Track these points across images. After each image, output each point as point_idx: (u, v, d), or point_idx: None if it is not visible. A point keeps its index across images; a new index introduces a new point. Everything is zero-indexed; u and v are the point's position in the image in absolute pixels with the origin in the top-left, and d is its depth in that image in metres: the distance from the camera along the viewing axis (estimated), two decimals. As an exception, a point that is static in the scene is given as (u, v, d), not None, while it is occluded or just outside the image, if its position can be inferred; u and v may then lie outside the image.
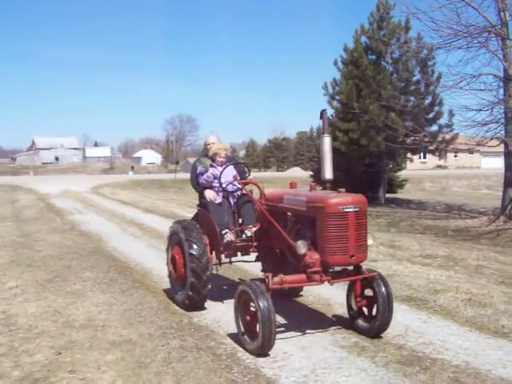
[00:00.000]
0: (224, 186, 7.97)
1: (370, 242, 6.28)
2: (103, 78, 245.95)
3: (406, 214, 21.61)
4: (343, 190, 6.38)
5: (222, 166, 8.19)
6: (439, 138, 24.52)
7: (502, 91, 17.93)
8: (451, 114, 22.33)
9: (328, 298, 8.40)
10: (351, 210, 5.99)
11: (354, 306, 6.75)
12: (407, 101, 23.81)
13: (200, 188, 8.26)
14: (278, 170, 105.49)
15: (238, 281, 9.44)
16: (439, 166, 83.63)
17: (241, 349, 6.16)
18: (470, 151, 70.87)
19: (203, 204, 8.10)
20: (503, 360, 5.78)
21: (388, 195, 27.06)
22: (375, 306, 6.44)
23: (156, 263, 11.10)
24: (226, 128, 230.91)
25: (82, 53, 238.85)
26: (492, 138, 18.30)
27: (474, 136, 19.08)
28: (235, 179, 7.80)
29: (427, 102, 24.54)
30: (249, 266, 9.63)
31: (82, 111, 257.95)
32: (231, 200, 8.13)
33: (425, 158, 73.91)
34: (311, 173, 31.78)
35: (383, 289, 6.34)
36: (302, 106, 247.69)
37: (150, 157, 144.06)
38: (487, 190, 36.89)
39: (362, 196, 6.29)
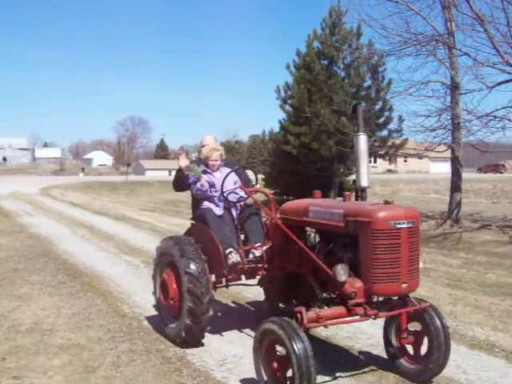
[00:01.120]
0: (226, 194, 6.70)
1: (420, 264, 5.20)
2: (53, 78, 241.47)
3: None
4: (392, 200, 5.23)
5: (217, 170, 7.01)
6: (389, 143, 24.98)
7: (449, 98, 18.40)
8: (401, 119, 22.88)
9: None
10: (404, 225, 4.87)
11: (394, 343, 5.61)
12: (358, 106, 24.10)
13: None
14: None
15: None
16: (389, 171, 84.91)
17: (190, 351, 6.15)
18: (419, 156, 72.11)
19: (200, 217, 6.69)
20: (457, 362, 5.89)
21: (339, 199, 27.37)
22: (427, 344, 5.30)
23: (106, 266, 11.00)
24: (179, 130, 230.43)
25: (30, 52, 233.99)
26: (440, 144, 18.75)
27: (422, 141, 19.49)
28: (240, 187, 6.73)
29: (378, 107, 25.02)
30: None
31: (32, 111, 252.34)
32: (233, 212, 6.85)
33: (375, 162, 74.87)
34: (263, 176, 31.95)
35: (438, 322, 5.19)
36: (255, 110, 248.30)
37: (102, 158, 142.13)
38: (435, 194, 37.64)
39: (415, 209, 5.24)
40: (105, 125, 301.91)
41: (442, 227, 17.57)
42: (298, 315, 4.78)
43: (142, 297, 8.51)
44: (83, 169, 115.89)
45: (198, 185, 6.68)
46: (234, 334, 6.84)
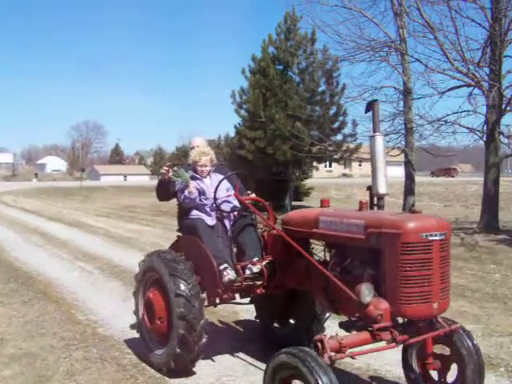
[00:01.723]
0: (218, 203, 5.93)
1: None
2: (4, 81, 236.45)
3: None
4: (420, 209, 4.66)
5: (207, 176, 6.23)
6: (344, 148, 25.27)
7: (402, 103, 18.80)
8: (355, 124, 23.25)
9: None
10: (437, 238, 4.28)
11: (416, 368, 4.95)
12: (313, 111, 24.43)
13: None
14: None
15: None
16: (344, 175, 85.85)
17: (146, 358, 6.07)
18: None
19: (189, 228, 5.91)
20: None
21: (294, 203, 27.59)
22: (457, 369, 4.65)
23: (60, 273, 10.82)
24: (134, 135, 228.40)
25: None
26: (393, 148, 19.15)
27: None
28: (235, 195, 6.00)
29: (332, 112, 25.33)
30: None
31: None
32: (226, 223, 6.05)
33: (330, 166, 75.51)
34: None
35: (470, 344, 4.56)
36: (210, 115, 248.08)
37: (55, 164, 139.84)
38: (389, 197, 38.04)
39: (445, 219, 4.65)
40: (58, 130, 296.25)
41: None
42: (319, 344, 4.07)
43: (97, 303, 8.38)
44: (36, 174, 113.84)
45: (186, 192, 5.90)
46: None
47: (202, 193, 5.99)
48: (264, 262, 5.67)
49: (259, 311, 6.69)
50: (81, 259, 12.85)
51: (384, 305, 4.30)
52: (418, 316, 4.36)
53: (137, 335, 6.21)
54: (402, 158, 20.87)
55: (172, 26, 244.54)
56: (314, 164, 30.07)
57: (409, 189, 19.62)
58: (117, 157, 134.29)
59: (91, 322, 7.55)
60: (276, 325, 6.56)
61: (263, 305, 6.56)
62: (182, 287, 5.27)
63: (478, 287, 9.50)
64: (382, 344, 4.36)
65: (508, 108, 16.25)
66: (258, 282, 5.72)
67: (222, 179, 5.98)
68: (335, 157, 26.41)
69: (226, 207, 6.03)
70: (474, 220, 18.16)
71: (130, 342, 6.62)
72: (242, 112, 26.58)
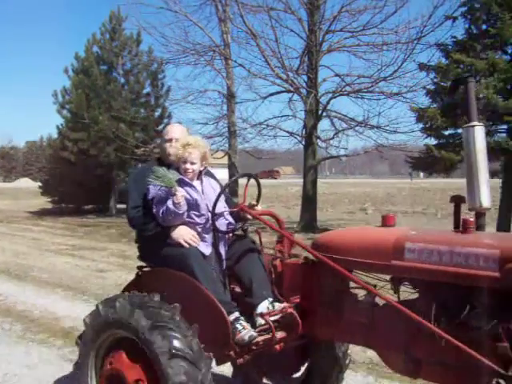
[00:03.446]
0: (216, 221, 4.10)
1: None
2: None
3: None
4: None
5: (198, 179, 4.24)
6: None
7: (225, 107, 19.21)
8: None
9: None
10: None
11: None
12: (137, 112, 24.14)
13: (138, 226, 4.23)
14: (5, 181, 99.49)
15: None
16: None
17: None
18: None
19: (172, 259, 3.91)
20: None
21: (120, 206, 27.07)
22: None
23: None
24: None
25: None
26: (217, 151, 19.49)
27: (201, 148, 20.12)
28: (242, 208, 4.11)
29: (157, 114, 25.26)
30: None
31: None
32: (221, 249, 4.18)
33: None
34: (40, 183, 30.51)
35: None
36: (31, 114, 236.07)
37: None
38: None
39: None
40: None
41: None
42: None
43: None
44: None
45: (170, 203, 3.88)
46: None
47: (192, 206, 4.04)
48: (284, 305, 3.90)
49: (240, 365, 4.05)
50: None
51: None
52: None
53: None
54: (225, 160, 21.32)
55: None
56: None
57: (232, 191, 20.08)
58: None
59: None
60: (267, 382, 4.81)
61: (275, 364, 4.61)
62: (178, 344, 3.43)
63: None
64: None
65: (324, 114, 17.25)
66: (279, 335, 3.86)
67: (228, 184, 4.30)
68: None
69: (222, 226, 4.13)
70: (295, 220, 18.97)
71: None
72: (65, 112, 25.57)
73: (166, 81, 24.63)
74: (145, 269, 4.29)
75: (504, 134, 15.52)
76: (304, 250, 3.88)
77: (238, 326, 3.69)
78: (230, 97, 19.02)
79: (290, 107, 17.74)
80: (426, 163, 16.68)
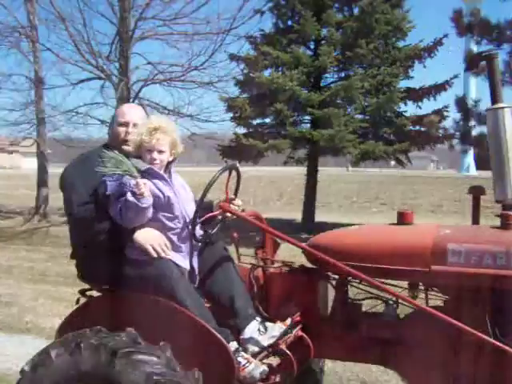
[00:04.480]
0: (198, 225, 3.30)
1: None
2: None
3: None
4: None
5: (166, 171, 3.34)
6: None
7: (33, 93, 18.35)
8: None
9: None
10: None
11: None
12: None
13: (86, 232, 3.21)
14: None
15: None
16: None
17: None
18: (9, 151, 69.84)
19: (141, 279, 3.05)
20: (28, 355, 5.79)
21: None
22: None
23: None
24: None
25: None
26: (25, 138, 18.65)
27: (8, 136, 19.15)
28: (221, 207, 3.27)
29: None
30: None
31: None
32: (194, 261, 3.36)
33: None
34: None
35: None
36: None
37: None
38: (25, 190, 36.91)
39: None
40: None
41: (29, 223, 17.52)
42: None
43: None
44: None
45: (129, 196, 2.99)
46: None
47: (163, 205, 3.18)
48: (284, 328, 3.18)
49: None
50: None
51: None
52: None
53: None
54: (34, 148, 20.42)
55: None
56: None
57: (41, 180, 19.33)
58: None
59: None
60: None
61: None
62: (170, 370, 2.69)
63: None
64: None
65: (136, 102, 17.13)
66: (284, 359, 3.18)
67: (212, 182, 3.19)
68: None
69: (198, 231, 3.32)
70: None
71: None
72: None
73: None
74: (93, 293, 3.27)
75: (308, 125, 16.59)
76: (305, 253, 3.28)
77: (239, 359, 2.99)
78: (38, 82, 18.19)
79: (102, 95, 17.43)
80: (235, 151, 17.24)
